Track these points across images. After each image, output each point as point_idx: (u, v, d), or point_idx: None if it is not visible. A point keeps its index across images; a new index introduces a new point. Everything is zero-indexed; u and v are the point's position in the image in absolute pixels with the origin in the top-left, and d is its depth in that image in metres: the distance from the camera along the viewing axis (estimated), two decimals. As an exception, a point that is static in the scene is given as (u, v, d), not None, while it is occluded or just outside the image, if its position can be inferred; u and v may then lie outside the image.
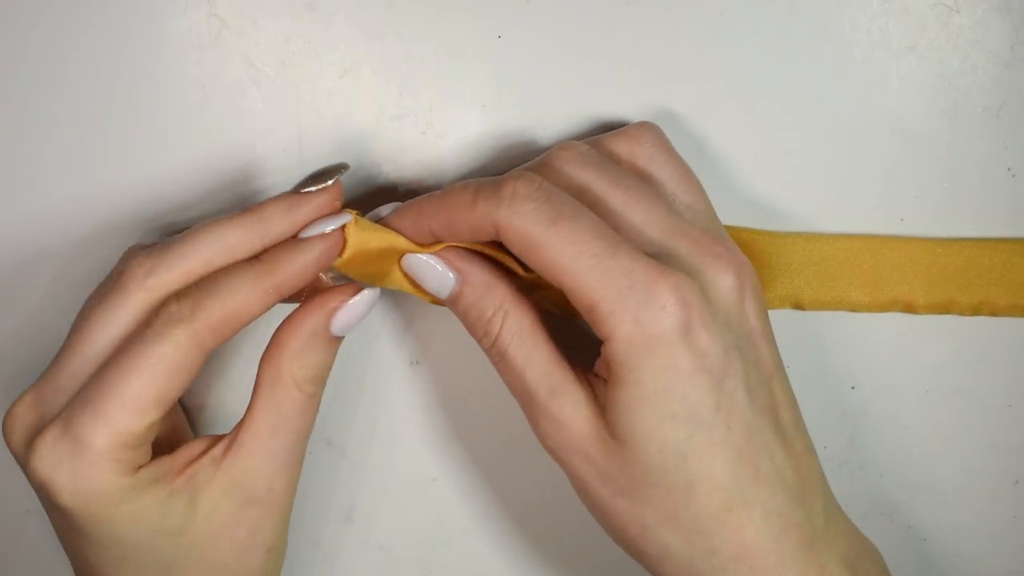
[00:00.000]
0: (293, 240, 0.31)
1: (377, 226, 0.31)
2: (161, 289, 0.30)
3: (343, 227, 0.31)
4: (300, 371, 0.31)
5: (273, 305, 0.30)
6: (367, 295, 0.31)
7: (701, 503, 0.29)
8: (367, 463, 0.37)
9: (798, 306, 0.36)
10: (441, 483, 0.37)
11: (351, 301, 0.31)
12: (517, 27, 0.35)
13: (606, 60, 0.35)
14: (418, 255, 0.31)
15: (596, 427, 0.30)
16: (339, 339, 0.31)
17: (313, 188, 0.31)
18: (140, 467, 0.29)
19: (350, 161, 0.35)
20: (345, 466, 0.37)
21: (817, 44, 0.35)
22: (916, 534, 0.38)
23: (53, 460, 0.28)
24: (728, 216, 0.36)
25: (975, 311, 0.36)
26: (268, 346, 0.31)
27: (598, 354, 0.30)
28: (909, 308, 0.36)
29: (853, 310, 0.36)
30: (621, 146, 0.32)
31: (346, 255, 0.31)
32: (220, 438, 0.31)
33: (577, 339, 0.32)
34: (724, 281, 0.30)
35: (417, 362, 0.37)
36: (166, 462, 0.30)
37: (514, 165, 0.33)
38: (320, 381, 0.32)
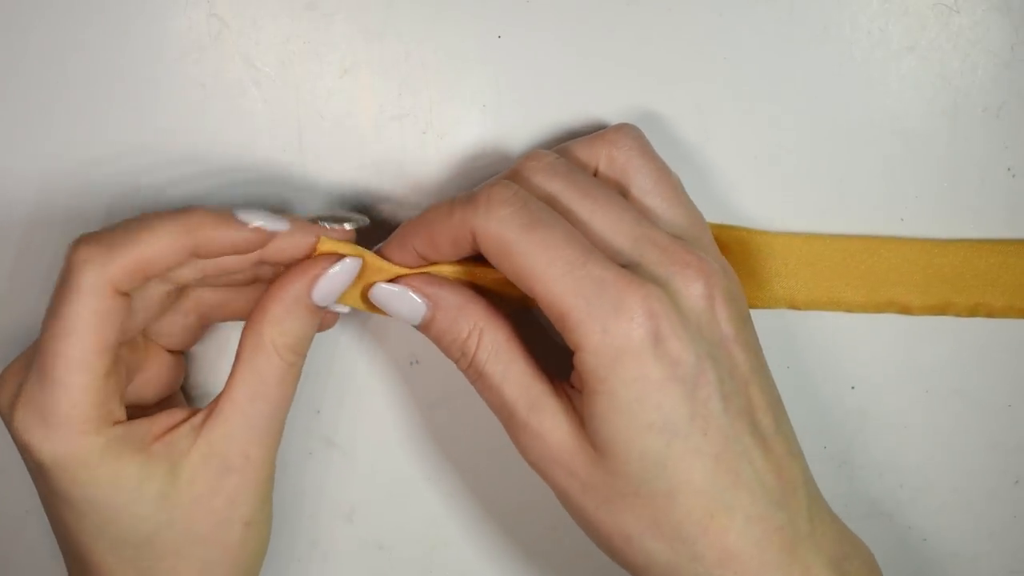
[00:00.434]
0: (228, 215, 0.30)
1: (356, 247, 0.32)
2: (113, 284, 0.29)
3: (279, 233, 0.30)
4: (280, 338, 0.31)
5: (187, 261, 0.30)
6: (348, 264, 0.31)
7: (683, 511, 0.29)
8: (367, 463, 0.37)
9: (793, 306, 0.36)
10: (441, 483, 0.37)
11: (332, 270, 0.31)
12: (517, 27, 0.35)
13: (606, 60, 0.35)
14: (384, 286, 0.32)
15: (576, 439, 0.30)
16: (320, 309, 0.31)
17: (327, 225, 0.31)
18: (115, 423, 0.30)
19: (350, 161, 0.35)
20: (345, 466, 0.37)
21: (817, 44, 0.35)
22: (916, 534, 0.38)
23: (28, 423, 0.29)
24: (728, 216, 0.36)
25: (971, 313, 0.36)
26: (251, 313, 0.31)
27: (573, 366, 0.30)
28: (905, 309, 0.36)
29: (848, 311, 0.36)
30: (599, 150, 0.32)
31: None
32: (202, 409, 0.32)
33: (553, 351, 0.32)
34: (693, 289, 0.30)
35: (417, 362, 0.37)
36: (143, 424, 0.31)
37: (514, 165, 0.33)
38: (300, 350, 0.32)
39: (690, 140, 0.35)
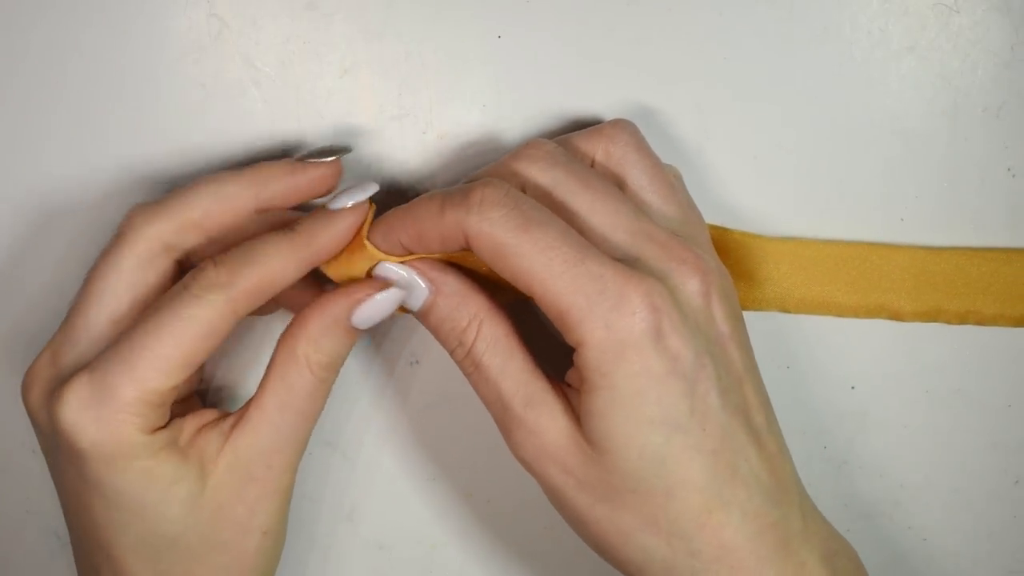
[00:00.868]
0: (324, 211, 0.31)
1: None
2: (162, 239, 0.31)
3: (370, 200, 0.31)
4: (315, 355, 0.31)
5: (304, 274, 0.31)
6: (393, 293, 0.31)
7: (680, 506, 0.29)
8: (367, 463, 0.37)
9: (784, 309, 0.36)
10: (441, 483, 0.37)
11: (377, 296, 0.31)
12: (517, 27, 0.35)
13: (606, 60, 0.35)
14: (390, 265, 0.31)
15: (573, 436, 0.30)
16: (357, 332, 0.31)
17: (314, 161, 0.32)
18: (157, 429, 0.30)
19: (350, 161, 0.35)
20: (345, 466, 0.37)
21: (817, 44, 0.35)
22: (916, 534, 0.38)
23: (78, 405, 0.29)
24: (727, 215, 0.36)
25: (961, 320, 0.36)
26: (288, 325, 0.31)
27: (569, 365, 0.30)
28: (896, 315, 0.36)
29: (840, 315, 0.36)
30: (595, 144, 0.32)
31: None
32: (232, 413, 0.32)
33: (548, 349, 0.32)
34: (690, 286, 0.30)
35: (417, 362, 0.37)
36: (178, 425, 0.31)
37: (514, 165, 0.33)
38: (333, 368, 0.32)
39: (690, 140, 0.35)
